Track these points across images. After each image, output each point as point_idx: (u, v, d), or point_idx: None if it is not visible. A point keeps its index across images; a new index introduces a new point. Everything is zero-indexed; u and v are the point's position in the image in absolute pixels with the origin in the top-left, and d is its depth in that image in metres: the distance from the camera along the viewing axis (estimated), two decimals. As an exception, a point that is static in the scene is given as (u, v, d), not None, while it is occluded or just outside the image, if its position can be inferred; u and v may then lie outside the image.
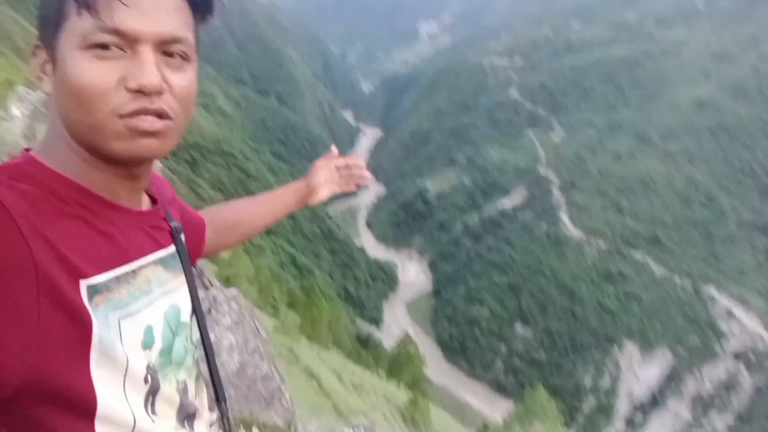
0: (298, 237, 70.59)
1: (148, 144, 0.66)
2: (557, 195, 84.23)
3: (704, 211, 77.26)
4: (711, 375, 63.02)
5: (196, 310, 0.83)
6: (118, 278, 0.67)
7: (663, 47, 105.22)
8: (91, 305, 0.62)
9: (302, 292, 36.32)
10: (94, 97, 0.63)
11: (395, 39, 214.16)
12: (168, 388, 0.73)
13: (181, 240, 0.84)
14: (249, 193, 66.23)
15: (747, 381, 62.11)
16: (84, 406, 0.61)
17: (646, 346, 64.68)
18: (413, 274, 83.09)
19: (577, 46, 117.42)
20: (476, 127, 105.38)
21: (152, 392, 0.70)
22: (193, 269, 0.87)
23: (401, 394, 32.79)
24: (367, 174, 1.31)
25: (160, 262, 0.77)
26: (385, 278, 77.89)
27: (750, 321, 65.63)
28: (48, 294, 0.58)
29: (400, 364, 38.55)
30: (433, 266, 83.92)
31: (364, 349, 47.88)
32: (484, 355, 66.60)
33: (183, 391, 0.77)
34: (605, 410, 61.66)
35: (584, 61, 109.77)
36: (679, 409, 62.04)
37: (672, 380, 63.12)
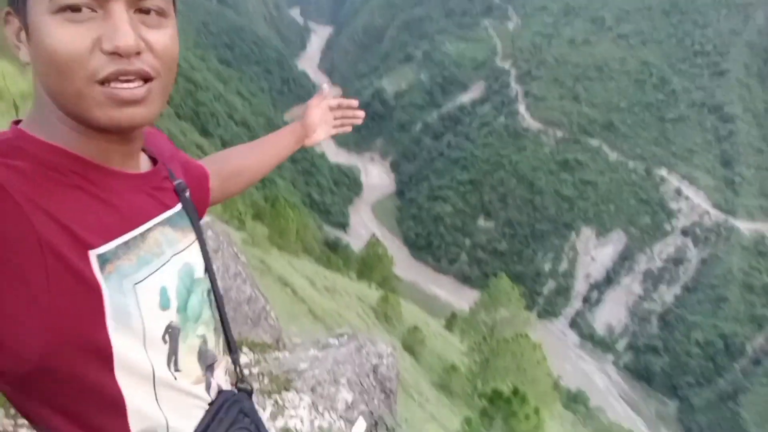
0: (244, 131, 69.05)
1: (132, 113, 0.64)
2: (515, 86, 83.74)
3: (657, 93, 78.50)
4: (661, 252, 67.56)
5: (207, 263, 0.83)
6: (126, 244, 0.67)
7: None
8: (104, 274, 0.62)
9: (267, 203, 36.08)
10: (70, 62, 0.60)
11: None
12: (189, 344, 0.75)
13: (186, 197, 0.83)
14: (198, 103, 63.61)
15: (693, 254, 66.89)
16: (103, 360, 0.63)
17: (602, 230, 68.23)
18: (376, 176, 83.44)
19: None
20: (431, 19, 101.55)
21: (173, 351, 0.71)
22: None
23: (373, 293, 34.07)
24: (361, 114, 1.28)
25: (168, 222, 0.76)
26: (349, 183, 78.02)
27: (697, 198, 69.43)
28: (56, 267, 0.58)
29: (369, 266, 39.69)
30: (395, 167, 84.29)
31: (333, 253, 48.84)
32: (449, 250, 69.23)
33: (203, 343, 0.79)
34: (564, 291, 66.05)
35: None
36: (631, 285, 66.96)
37: (625, 259, 67.49)
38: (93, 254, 0.62)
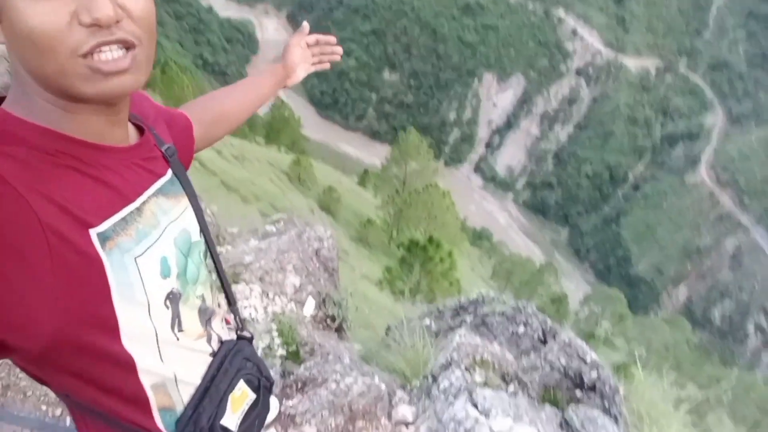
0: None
1: (118, 82, 0.64)
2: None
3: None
4: (557, 93, 70.65)
5: (201, 225, 0.84)
6: (124, 220, 0.68)
7: None
8: (105, 251, 0.63)
9: (156, 69, 33.20)
10: (49, 39, 0.59)
11: None
12: (190, 305, 0.77)
13: (176, 162, 0.83)
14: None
15: (586, 94, 70.65)
16: (109, 332, 0.65)
17: (502, 75, 69.56)
18: (272, 31, 77.63)
19: None
20: None
21: (176, 315, 0.74)
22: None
23: (283, 157, 33.74)
24: (340, 50, 1.28)
25: (160, 191, 0.76)
26: (243, 39, 72.27)
27: (591, 38, 71.52)
28: (58, 248, 0.59)
29: (276, 129, 38.71)
30: (292, 19, 78.54)
31: (236, 118, 46.73)
32: (356, 106, 68.46)
33: (203, 302, 0.81)
34: (468, 139, 68.57)
35: None
36: (530, 127, 70.51)
37: (524, 103, 70.21)
38: (93, 233, 0.63)
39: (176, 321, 0.74)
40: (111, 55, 0.62)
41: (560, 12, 71.73)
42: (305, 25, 1.26)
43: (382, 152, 49.75)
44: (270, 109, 42.29)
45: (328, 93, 68.69)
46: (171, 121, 0.93)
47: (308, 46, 1.25)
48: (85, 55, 0.60)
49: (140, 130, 0.81)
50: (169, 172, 0.80)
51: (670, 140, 68.67)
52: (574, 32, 71.20)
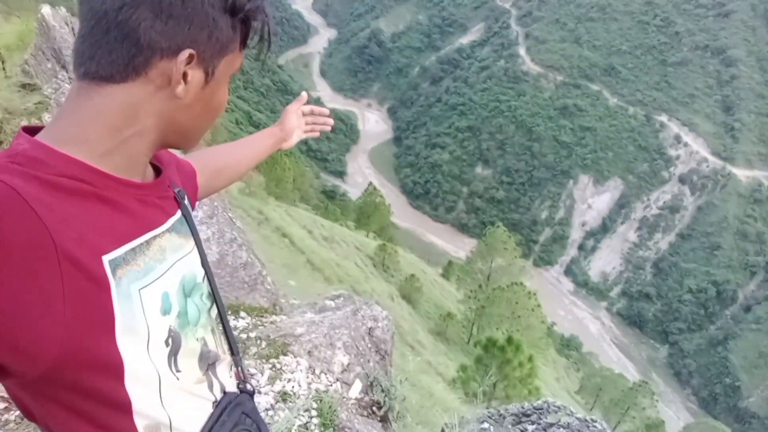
0: (250, 92, 67.90)
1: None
2: (515, 28, 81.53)
3: (659, 36, 76.66)
4: (657, 199, 67.69)
5: (205, 268, 0.88)
6: (134, 250, 0.71)
7: None
8: (115, 279, 0.66)
9: (263, 151, 35.60)
10: (221, 112, 0.81)
11: None
12: (190, 346, 0.79)
13: (185, 205, 0.88)
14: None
15: (690, 202, 67.07)
16: (113, 371, 0.66)
17: (599, 177, 68.03)
18: (373, 122, 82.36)
19: None
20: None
21: (174, 352, 0.74)
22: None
23: (370, 242, 34.26)
24: (331, 122, 1.38)
25: (171, 229, 0.80)
26: (346, 129, 77.08)
27: (696, 145, 68.92)
28: (70, 272, 0.61)
29: (367, 214, 39.80)
30: (392, 113, 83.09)
31: (330, 202, 48.92)
32: (447, 198, 69.05)
33: (204, 345, 0.83)
34: (559, 239, 66.50)
35: None
36: (627, 233, 67.42)
37: (622, 207, 67.69)
38: (106, 259, 0.66)
39: (173, 359, 0.75)
40: None
41: (663, 117, 70.27)
42: (303, 94, 1.33)
43: (469, 246, 49.35)
44: (363, 194, 43.78)
45: (420, 183, 70.34)
46: (179, 166, 0.99)
47: (304, 114, 1.33)
48: None
49: (156, 169, 0.87)
50: (179, 213, 0.85)
51: (788, 258, 62.67)
52: (678, 138, 69.02)
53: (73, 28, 5.09)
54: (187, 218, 0.87)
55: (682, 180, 67.32)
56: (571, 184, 67.69)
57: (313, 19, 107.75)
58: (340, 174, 70.65)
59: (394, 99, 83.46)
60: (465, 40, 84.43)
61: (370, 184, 54.07)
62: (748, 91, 70.87)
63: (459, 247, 59.73)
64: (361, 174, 71.80)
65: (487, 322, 25.92)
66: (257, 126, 58.82)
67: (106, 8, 0.66)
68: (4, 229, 0.57)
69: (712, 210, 65.09)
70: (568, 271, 64.98)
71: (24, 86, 4.37)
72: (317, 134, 1.37)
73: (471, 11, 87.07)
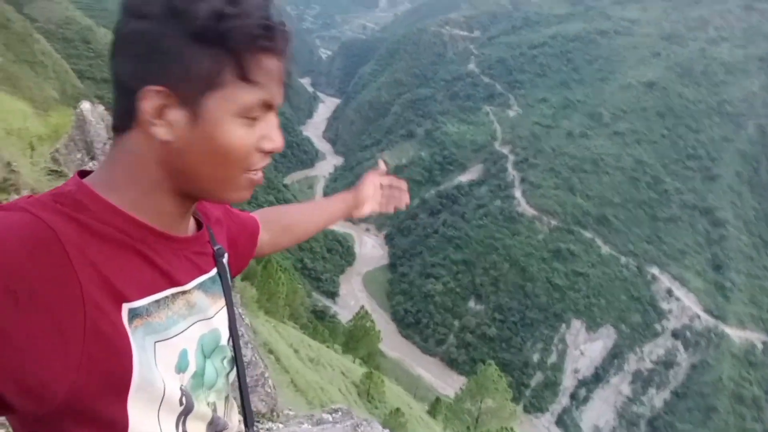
0: (252, 207, 67.61)
1: (250, 192, 0.76)
2: (512, 172, 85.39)
3: (650, 192, 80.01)
4: (651, 352, 66.52)
5: (232, 332, 0.85)
6: (157, 302, 0.70)
7: (616, 25, 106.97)
8: (131, 328, 0.65)
9: (259, 265, 35.74)
10: (237, 158, 0.70)
11: (354, 2, 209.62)
12: (199, 409, 0.76)
13: (222, 264, 0.86)
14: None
15: (684, 359, 65.82)
16: (117, 428, 0.65)
17: (592, 324, 67.30)
18: (370, 247, 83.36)
19: (535, 19, 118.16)
20: (435, 100, 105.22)
21: (185, 413, 0.73)
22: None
23: (357, 369, 33.05)
24: (407, 199, 1.32)
25: (201, 287, 0.79)
26: (342, 251, 77.78)
27: (688, 300, 69.10)
28: (93, 318, 0.61)
29: (356, 339, 38.77)
30: (389, 240, 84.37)
31: (320, 323, 47.89)
32: (438, 330, 67.86)
33: (214, 410, 0.80)
34: (551, 386, 64.06)
35: (541, 36, 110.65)
36: (620, 385, 65.33)
37: (615, 357, 66.27)
38: (126, 307, 0.65)
39: (182, 420, 0.73)
40: (259, 174, 0.75)
41: (654, 270, 71.28)
42: (382, 164, 1.30)
43: (458, 383, 47.56)
44: (353, 317, 43.11)
45: (412, 312, 69.47)
46: (239, 220, 1.00)
47: (381, 186, 1.29)
48: (248, 171, 0.73)
49: (199, 224, 0.86)
50: (214, 271, 0.84)
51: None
52: (669, 292, 69.50)
53: (107, 125, 5.25)
54: (222, 277, 0.85)
55: (675, 335, 66.71)
56: (564, 328, 66.87)
57: (322, 146, 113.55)
58: (332, 295, 70.01)
59: (393, 226, 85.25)
60: (464, 178, 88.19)
61: (362, 307, 53.34)
62: (737, 251, 72.77)
63: (447, 383, 57.50)
64: (353, 296, 71.18)
65: (476, 471, 24.24)
66: (255, 240, 59.20)
67: (109, 63, 0.69)
68: (35, 266, 0.58)
69: (707, 369, 63.70)
70: (559, 422, 61.90)
71: (52, 172, 4.55)
72: (392, 209, 1.32)
73: (471, 153, 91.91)
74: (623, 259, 71.67)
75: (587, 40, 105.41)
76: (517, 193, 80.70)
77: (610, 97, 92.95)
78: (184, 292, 0.75)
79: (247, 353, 4.14)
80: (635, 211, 77.46)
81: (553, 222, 75.66)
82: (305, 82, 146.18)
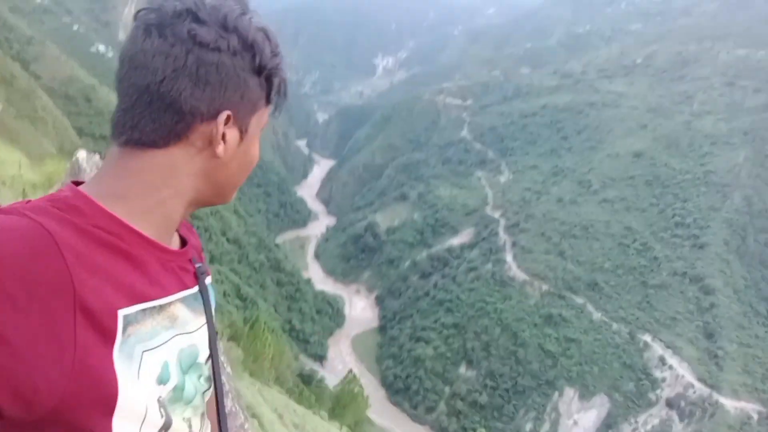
0: (243, 266, 68.74)
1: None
2: (503, 236, 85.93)
3: (639, 258, 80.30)
4: (646, 423, 64.73)
5: (212, 351, 0.87)
6: (144, 311, 0.71)
7: (604, 98, 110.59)
8: (123, 336, 0.66)
9: (246, 325, 35.09)
10: (253, 166, 0.85)
11: (352, 70, 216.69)
12: (176, 424, 0.77)
13: (204, 282, 0.90)
14: (193, 215, 64.13)
15: (679, 430, 64.10)
16: (107, 410, 0.66)
17: (585, 392, 65.87)
18: (360, 309, 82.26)
19: (526, 90, 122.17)
20: (428, 164, 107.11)
21: (165, 428, 0.74)
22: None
23: (343, 437, 32.01)
24: None
25: (184, 301, 0.81)
26: (332, 313, 76.64)
27: (681, 369, 67.97)
28: (83, 324, 0.62)
29: (343, 404, 37.41)
30: (380, 301, 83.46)
31: (306, 387, 46.52)
32: (428, 397, 66.10)
33: (188, 426, 0.81)
34: (544, 456, 62.22)
35: (532, 106, 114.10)
36: (615, 456, 63.32)
37: (609, 427, 64.30)
38: (121, 313, 0.67)
39: None
40: None
41: (646, 337, 70.52)
42: None
43: (448, 452, 45.83)
44: (341, 381, 41.94)
45: (401, 377, 67.77)
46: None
47: None
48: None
49: (182, 242, 0.91)
50: (196, 288, 0.87)
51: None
52: (662, 360, 68.46)
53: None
54: (203, 295, 0.88)
55: (669, 404, 65.16)
56: (557, 396, 65.31)
57: (315, 206, 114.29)
58: (320, 358, 68.43)
59: (383, 288, 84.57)
60: (455, 241, 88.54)
61: (350, 371, 52.05)
62: (729, 320, 72.32)
63: (436, 453, 55.42)
64: (341, 360, 69.57)
65: None
66: (244, 300, 58.39)
67: (147, 83, 0.71)
68: (32, 270, 0.59)
69: (703, 441, 61.99)
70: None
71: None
72: None
73: (462, 216, 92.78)
74: (615, 326, 71.05)
75: (576, 111, 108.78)
76: (509, 257, 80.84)
77: (598, 165, 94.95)
78: (169, 304, 0.77)
79: (227, 403, 4.10)
80: (626, 277, 77.52)
81: (545, 286, 75.46)
82: (301, 144, 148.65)
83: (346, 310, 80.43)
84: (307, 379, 51.62)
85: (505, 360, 67.96)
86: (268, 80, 0.81)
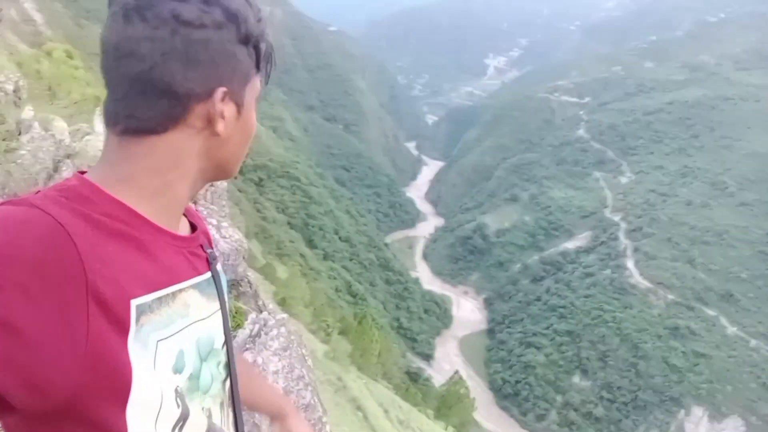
0: (354, 263, 70.89)
1: None
2: (624, 241, 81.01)
3: (783, 269, 72.46)
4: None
5: (227, 337, 0.86)
6: (159, 299, 0.70)
7: (741, 92, 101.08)
8: (137, 325, 0.66)
9: (355, 320, 36.15)
10: (252, 136, 0.84)
11: (462, 71, 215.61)
12: (195, 415, 0.76)
13: (216, 267, 0.88)
14: (309, 215, 67.49)
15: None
16: (120, 400, 0.65)
17: (716, 413, 60.13)
18: (468, 310, 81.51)
19: (650, 86, 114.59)
20: (541, 165, 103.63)
21: (182, 419, 0.73)
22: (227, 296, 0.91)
23: (447, 436, 31.78)
24: None
25: (197, 287, 0.80)
26: (439, 313, 76.73)
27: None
28: (95, 313, 0.61)
29: (449, 404, 37.45)
30: (488, 304, 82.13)
31: (413, 384, 46.95)
32: (538, 404, 63.77)
33: (208, 416, 0.80)
34: (668, 478, 57.69)
35: (657, 102, 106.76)
36: (751, 485, 57.26)
37: (744, 452, 58.57)
38: (134, 303, 0.66)
39: (180, 425, 0.73)
40: None
41: (791, 356, 63.03)
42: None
43: (559, 463, 44.01)
44: (447, 382, 41.92)
45: (510, 383, 66.18)
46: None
47: None
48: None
49: (192, 228, 0.90)
50: (208, 274, 0.86)
51: None
52: (810, 383, 60.79)
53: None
54: (216, 280, 0.87)
55: (817, 432, 57.72)
56: (683, 414, 60.24)
57: (424, 207, 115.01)
58: (427, 357, 68.71)
59: (492, 291, 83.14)
60: (570, 245, 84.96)
61: (456, 372, 51.79)
62: None
63: (546, 462, 53.42)
64: (448, 361, 69.35)
65: None
66: (354, 296, 60.12)
67: (137, 71, 0.69)
68: (45, 261, 0.58)
69: None
70: None
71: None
72: None
73: (578, 219, 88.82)
74: (753, 342, 64.18)
75: (708, 107, 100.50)
76: (630, 264, 76.02)
77: (735, 165, 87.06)
78: (183, 290, 0.76)
79: (306, 395, 4.21)
80: (766, 288, 69.90)
81: (670, 296, 70.07)
82: (410, 146, 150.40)
83: (454, 311, 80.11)
84: (414, 377, 52.17)
85: (624, 372, 63.76)
86: (256, 48, 0.79)
